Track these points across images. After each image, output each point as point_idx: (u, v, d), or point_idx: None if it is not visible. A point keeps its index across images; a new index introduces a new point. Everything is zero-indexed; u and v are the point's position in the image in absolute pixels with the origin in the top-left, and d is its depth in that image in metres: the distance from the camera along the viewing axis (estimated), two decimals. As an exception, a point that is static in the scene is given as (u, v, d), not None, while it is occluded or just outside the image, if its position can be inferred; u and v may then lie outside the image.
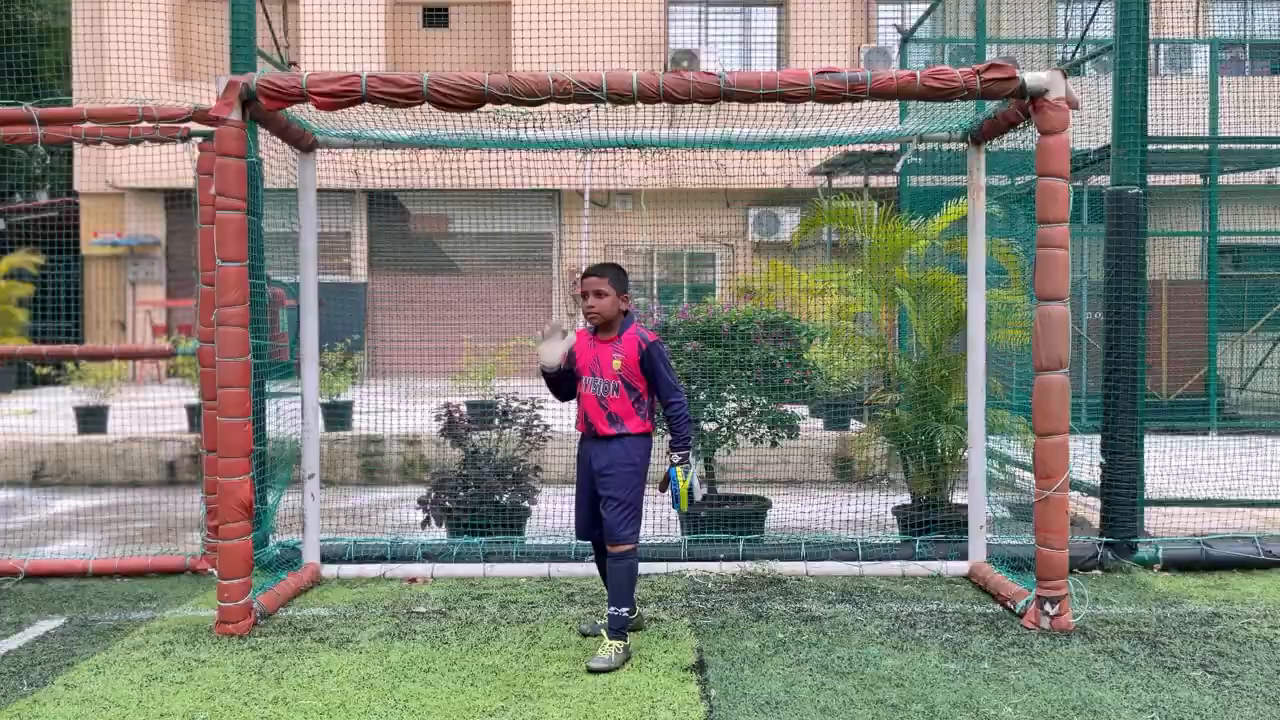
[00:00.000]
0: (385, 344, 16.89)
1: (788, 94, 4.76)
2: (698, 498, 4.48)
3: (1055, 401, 4.76)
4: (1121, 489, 5.88)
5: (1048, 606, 4.76)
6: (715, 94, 4.77)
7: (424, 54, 18.66)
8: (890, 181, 15.10)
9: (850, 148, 14.15)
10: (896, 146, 13.16)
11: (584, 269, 4.47)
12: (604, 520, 4.45)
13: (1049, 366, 4.76)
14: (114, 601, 5.42)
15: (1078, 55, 7.99)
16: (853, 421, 10.75)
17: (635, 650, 4.50)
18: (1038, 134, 4.82)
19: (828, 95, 4.77)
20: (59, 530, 7.94)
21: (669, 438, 4.49)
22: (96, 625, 4.97)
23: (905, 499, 6.86)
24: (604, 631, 4.41)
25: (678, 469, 4.41)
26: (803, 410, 6.99)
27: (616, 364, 4.42)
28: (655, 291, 17.34)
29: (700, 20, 19.75)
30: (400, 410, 9.51)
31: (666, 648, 4.56)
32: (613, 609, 4.39)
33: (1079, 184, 11.55)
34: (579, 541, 6.07)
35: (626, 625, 4.43)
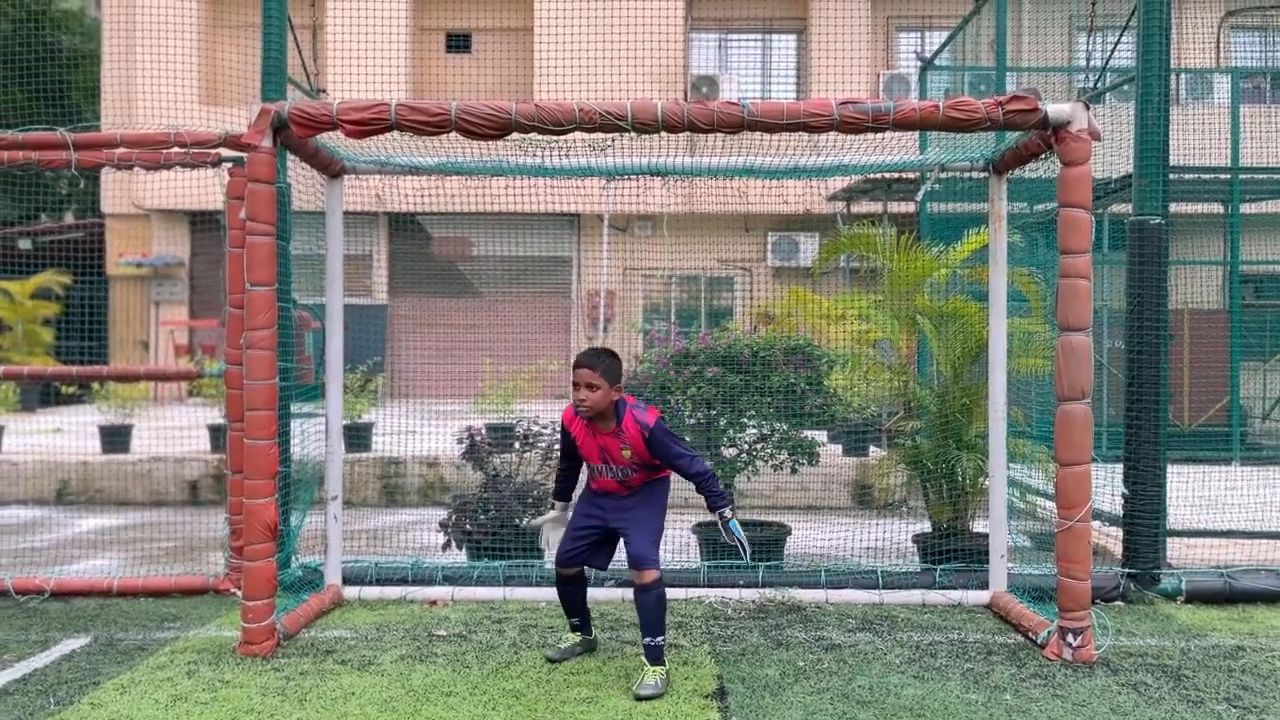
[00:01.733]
0: (406, 366, 17.02)
1: (810, 124, 4.80)
2: (745, 541, 4.56)
3: (1078, 431, 4.76)
4: (1144, 519, 5.85)
5: (1070, 638, 4.74)
6: (739, 124, 4.82)
7: (447, 79, 18.88)
8: (909, 207, 15.14)
9: (870, 176, 14.26)
10: (916, 175, 13.23)
11: (575, 359, 4.48)
12: (633, 548, 4.44)
13: (1071, 396, 4.76)
14: (138, 621, 5.47)
15: (1099, 85, 8.02)
16: (872, 448, 10.74)
17: (656, 676, 4.51)
18: (1059, 164, 4.84)
19: (851, 126, 4.81)
20: (83, 549, 8.02)
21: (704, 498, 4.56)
22: (122, 644, 5.02)
23: (925, 527, 6.85)
24: (644, 661, 4.43)
25: (735, 521, 4.50)
26: (821, 436, 6.99)
27: (627, 454, 4.49)
28: (674, 317, 17.40)
29: (720, 47, 19.91)
30: (420, 432, 9.58)
31: (687, 674, 4.56)
32: (649, 638, 4.40)
33: (1099, 212, 11.54)
34: (601, 572, 6.14)
35: (664, 649, 4.48)
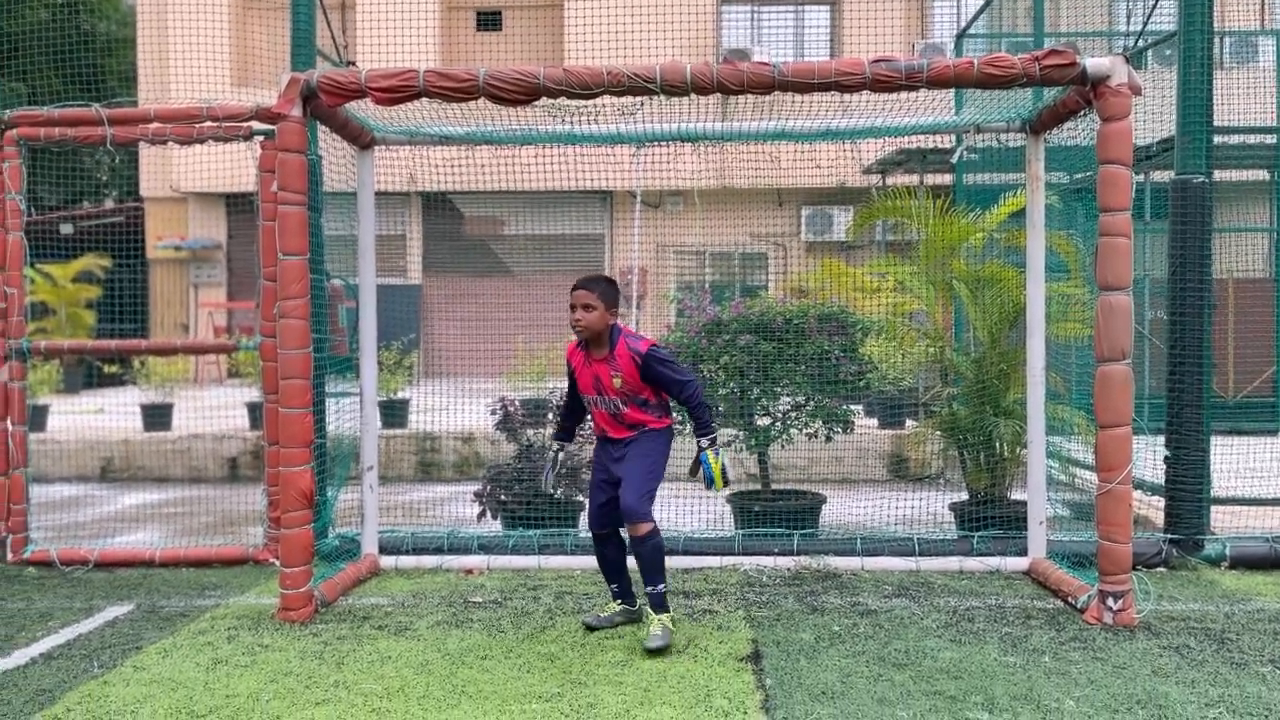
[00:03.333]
0: (439, 344, 17.10)
1: (843, 83, 4.73)
2: (731, 478, 4.49)
3: (1117, 393, 4.67)
4: (1187, 485, 5.75)
5: (1110, 601, 4.67)
6: (770, 84, 4.76)
7: (477, 56, 18.85)
8: (945, 179, 14.93)
9: (904, 145, 14.04)
10: (951, 143, 13.04)
11: (575, 281, 4.48)
12: (622, 502, 4.42)
13: (1111, 357, 4.67)
14: (180, 589, 5.55)
15: (1138, 42, 7.83)
16: (908, 420, 10.65)
17: (691, 640, 4.50)
18: (1099, 122, 4.74)
19: (884, 84, 4.73)
20: (126, 523, 8.15)
21: (692, 425, 4.55)
22: (164, 611, 5.09)
23: (962, 496, 6.78)
24: (646, 609, 4.49)
25: (708, 452, 4.44)
26: (857, 409, 6.92)
27: (617, 382, 4.44)
28: (707, 287, 17.33)
29: (752, 20, 19.71)
30: (454, 409, 9.62)
31: (721, 639, 4.55)
32: (651, 587, 4.45)
33: (1140, 178, 11.32)
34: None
35: (666, 596, 4.51)
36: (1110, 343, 4.67)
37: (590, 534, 4.79)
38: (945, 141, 13.17)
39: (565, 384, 5.45)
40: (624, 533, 4.67)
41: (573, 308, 4.44)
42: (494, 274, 19.11)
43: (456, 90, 4.81)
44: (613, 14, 12.92)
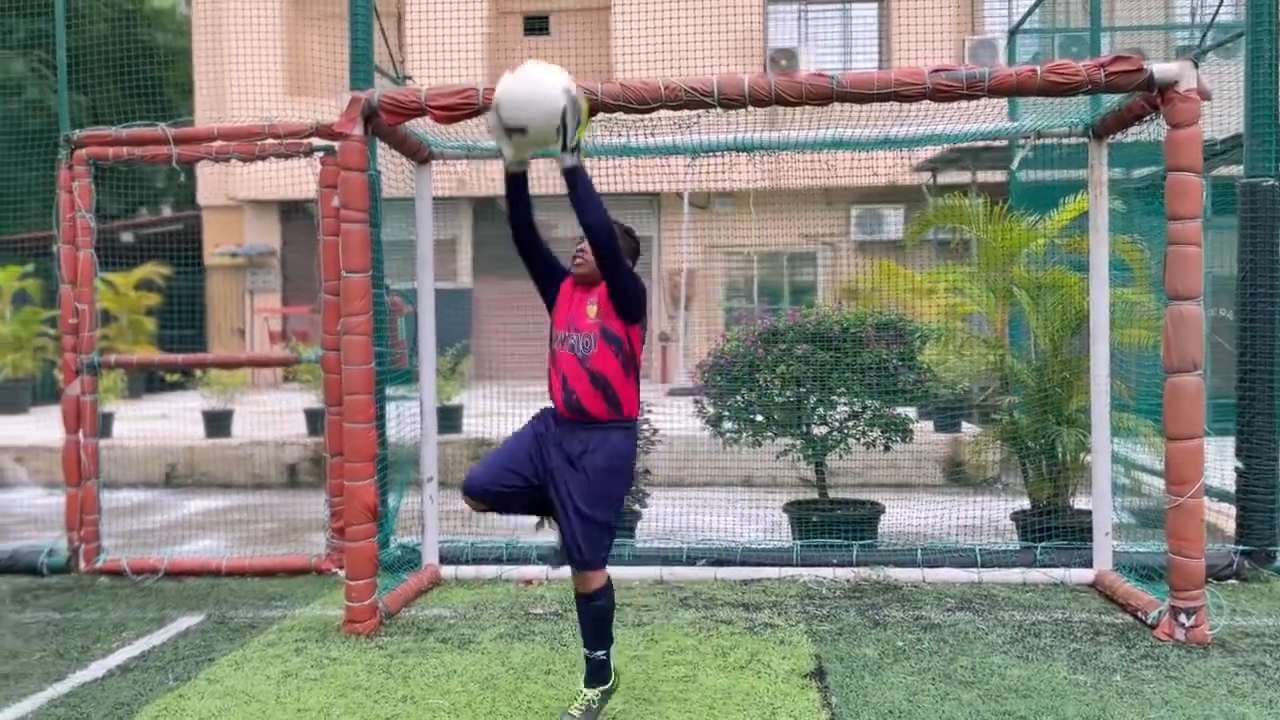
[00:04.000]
0: (491, 349, 17.23)
1: (902, 94, 4.69)
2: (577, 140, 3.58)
3: (1188, 404, 4.58)
4: (1259, 495, 5.63)
5: (1183, 618, 4.58)
6: (828, 95, 4.73)
7: (525, 60, 18.93)
8: (998, 177, 14.73)
9: (957, 144, 13.89)
10: (1005, 142, 12.87)
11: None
12: (569, 541, 3.61)
13: (1181, 368, 4.58)
14: (247, 599, 5.65)
15: (1202, 43, 7.66)
16: (964, 424, 10.52)
17: (754, 655, 4.50)
18: (1165, 127, 4.65)
19: (944, 94, 4.69)
20: (191, 529, 8.32)
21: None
22: (233, 622, 5.19)
23: (1023, 504, 6.69)
24: (582, 679, 3.78)
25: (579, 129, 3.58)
26: (911, 412, 6.84)
27: (593, 310, 3.68)
28: (757, 294, 17.28)
29: (799, 18, 19.59)
30: (508, 414, 9.67)
31: (784, 654, 4.53)
32: (591, 651, 3.72)
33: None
34: (689, 545, 6.15)
35: (609, 663, 3.77)
36: (1180, 353, 4.57)
37: (461, 492, 3.83)
38: (999, 141, 13.01)
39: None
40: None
41: (580, 239, 3.75)
42: (544, 278, 19.16)
43: (515, 107, 4.82)
44: (659, 15, 12.91)
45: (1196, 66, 4.56)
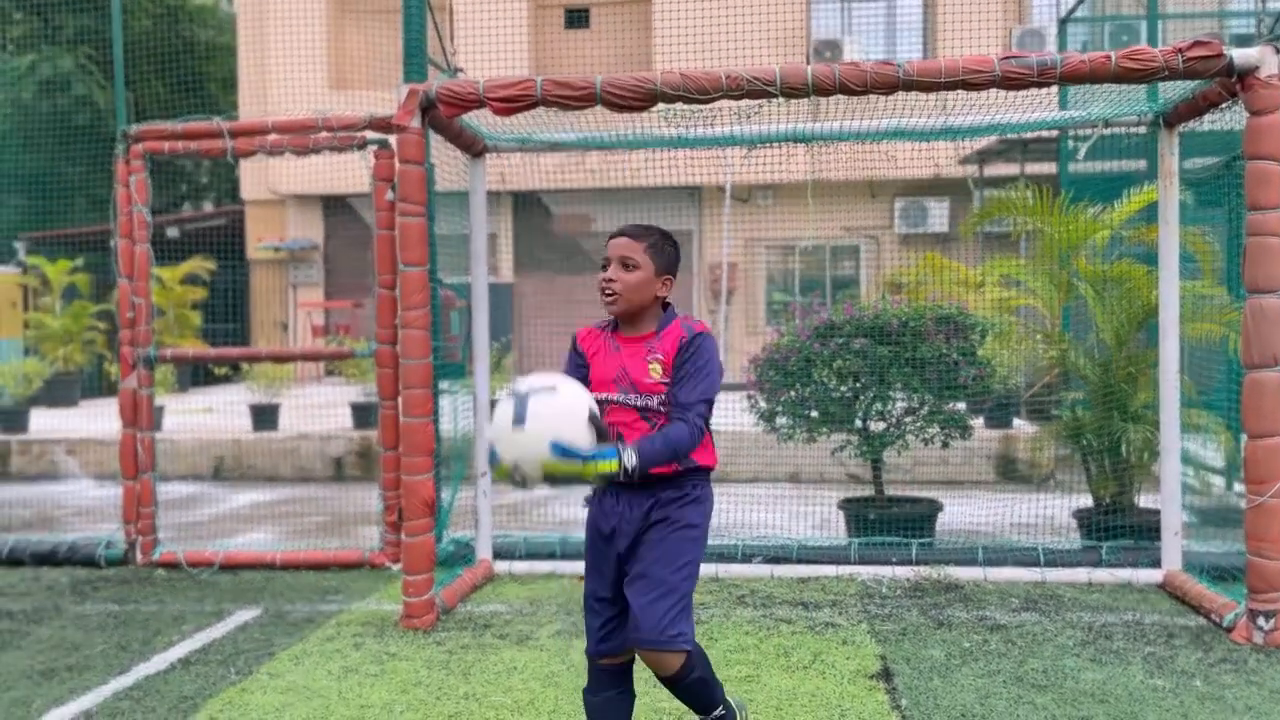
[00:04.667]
0: (532, 343, 17.23)
1: (971, 82, 4.57)
2: (540, 488, 2.88)
3: (1269, 400, 4.43)
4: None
5: (1261, 621, 4.44)
6: (894, 84, 4.63)
7: (567, 54, 18.91)
8: (1047, 168, 14.49)
9: (1006, 135, 13.65)
10: (1055, 133, 12.60)
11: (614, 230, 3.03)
12: (640, 619, 2.84)
13: (1262, 363, 4.44)
14: (303, 593, 5.65)
15: (1264, 30, 7.45)
16: (1014, 420, 10.35)
17: (816, 655, 4.42)
18: (1245, 114, 4.50)
19: (1013, 82, 4.57)
20: (240, 523, 8.37)
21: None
22: (290, 616, 5.19)
23: (1082, 501, 6.55)
24: None
25: (610, 466, 2.67)
26: (960, 407, 6.70)
27: (656, 371, 2.89)
28: (798, 288, 17.13)
29: (843, 9, 19.37)
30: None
31: (848, 654, 4.45)
32: (705, 715, 3.12)
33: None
34: (744, 542, 6.08)
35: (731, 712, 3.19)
36: (1261, 348, 4.43)
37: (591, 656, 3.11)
38: (1049, 131, 12.79)
39: None
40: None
41: (605, 263, 2.96)
42: (584, 271, 19.18)
43: (574, 98, 4.78)
44: (700, 7, 12.80)
45: (1278, 52, 4.41)
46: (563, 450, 2.65)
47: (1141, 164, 10.56)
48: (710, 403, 2.90)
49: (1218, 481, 7.02)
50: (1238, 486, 6.99)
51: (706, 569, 5.83)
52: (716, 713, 3.10)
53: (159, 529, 6.47)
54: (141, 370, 6.32)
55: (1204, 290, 6.00)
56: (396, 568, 5.86)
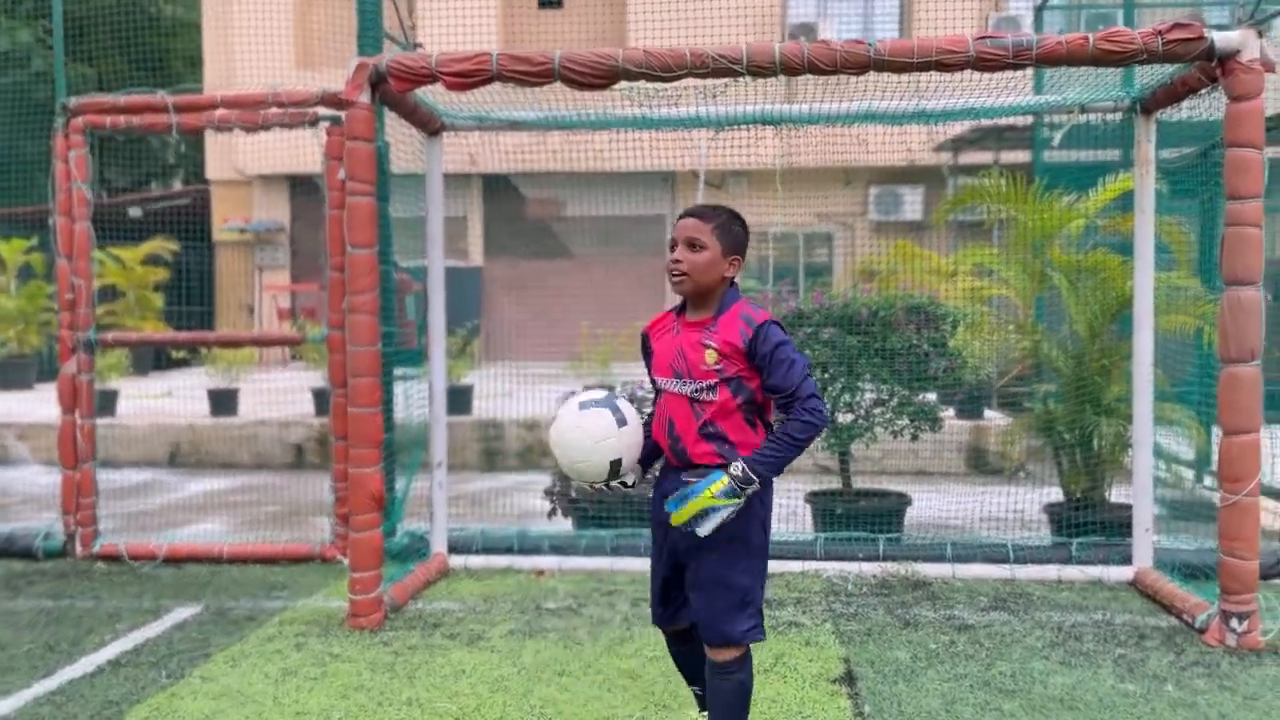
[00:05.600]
0: (501, 328, 16.98)
1: (944, 62, 4.39)
2: (704, 531, 2.82)
3: (1246, 396, 4.30)
4: (1308, 491, 5.35)
5: (1234, 623, 4.32)
6: (865, 64, 4.44)
7: (539, 35, 18.59)
8: (1021, 156, 14.38)
9: (980, 123, 13.51)
10: (1030, 121, 12.46)
11: (685, 210, 3.03)
12: (698, 616, 2.99)
13: (1239, 357, 4.30)
14: (248, 589, 5.43)
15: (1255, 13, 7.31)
16: (985, 411, 10.25)
17: (779, 658, 4.25)
18: (1225, 100, 4.35)
19: (988, 63, 4.39)
20: (193, 512, 8.11)
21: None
22: (231, 614, 4.97)
23: (1052, 495, 6.42)
24: None
25: (722, 483, 2.79)
26: (931, 398, 6.55)
27: (712, 357, 2.88)
28: (772, 275, 16.95)
29: (819, -8, 19.16)
30: (517, 395, 9.43)
31: (811, 656, 4.29)
32: None
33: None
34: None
35: None
36: (1239, 342, 4.29)
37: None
38: (1023, 120, 12.66)
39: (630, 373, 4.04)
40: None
41: (672, 244, 2.96)
42: (554, 256, 18.94)
43: (531, 74, 4.56)
44: (675, -12, 12.56)
45: (1260, 35, 4.25)
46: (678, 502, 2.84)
47: (1116, 153, 10.47)
48: (809, 377, 2.90)
49: (1188, 475, 6.93)
50: (1207, 480, 6.91)
51: (668, 564, 5.66)
52: None
53: (101, 519, 6.21)
54: (81, 355, 6.05)
55: (1178, 281, 5.88)
56: (347, 561, 5.64)
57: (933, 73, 4.52)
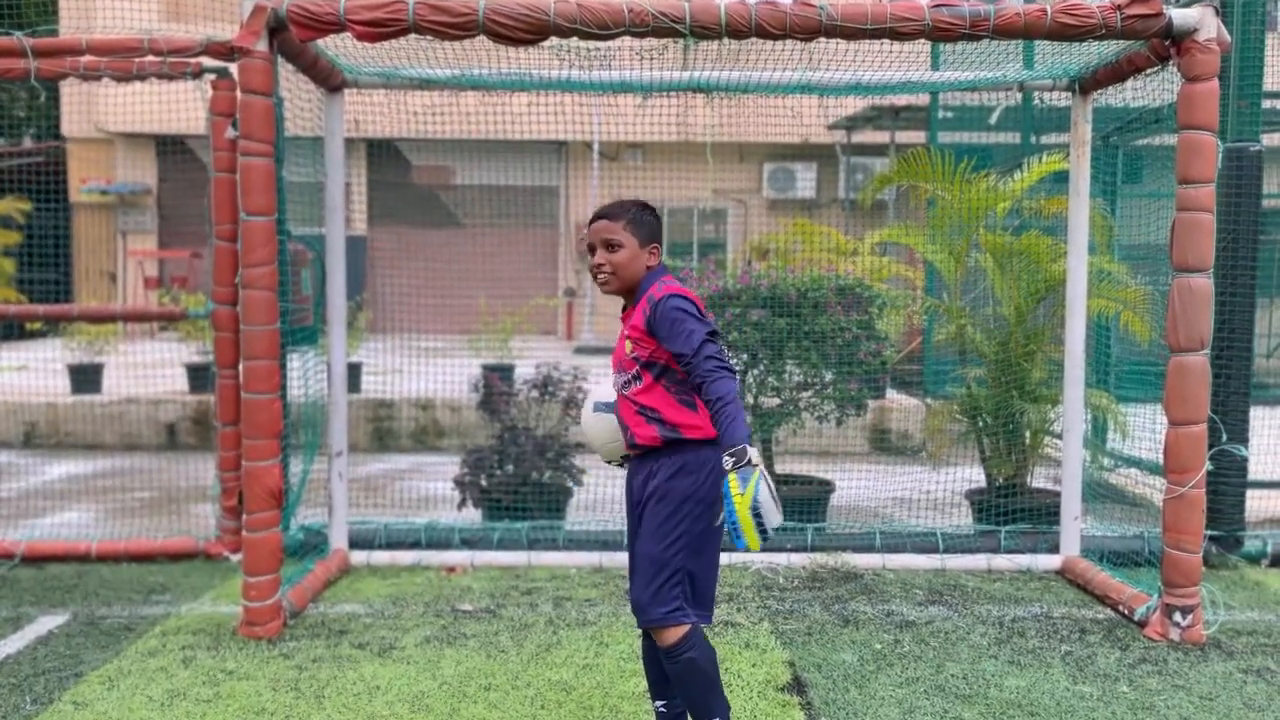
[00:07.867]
0: (387, 300, 16.26)
1: (899, 29, 4.14)
2: (773, 523, 2.61)
3: (1194, 385, 4.21)
4: (1229, 479, 5.37)
5: (1178, 616, 4.25)
6: (815, 29, 4.15)
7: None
8: (917, 137, 14.43)
9: (876, 101, 13.46)
10: (926, 100, 12.45)
11: (595, 211, 3.01)
12: (630, 591, 2.96)
13: (1189, 346, 4.21)
14: (122, 592, 4.87)
15: None
16: (889, 392, 10.23)
17: (720, 663, 3.97)
18: (1180, 80, 4.23)
19: (944, 32, 4.16)
20: (54, 499, 7.37)
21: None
22: (105, 623, 4.42)
23: (972, 475, 6.31)
24: None
25: (731, 477, 2.59)
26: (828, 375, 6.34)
27: (628, 347, 2.94)
28: (666, 249, 16.69)
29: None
30: (409, 371, 8.91)
31: (754, 660, 4.03)
32: None
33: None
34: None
35: None
36: (1188, 330, 4.19)
37: None
38: (921, 100, 12.66)
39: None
40: None
41: (591, 249, 2.96)
42: (444, 225, 18.28)
43: (452, 26, 4.11)
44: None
45: (1218, 14, 4.14)
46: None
47: (1011, 136, 10.50)
48: (711, 337, 2.80)
49: (1105, 460, 6.95)
50: (1106, 461, 6.95)
51: (588, 557, 5.35)
52: None
53: (-53, 515, 5.52)
54: (-78, 329, 5.32)
55: (1108, 265, 5.82)
56: (236, 559, 5.12)
57: (885, 40, 4.27)
